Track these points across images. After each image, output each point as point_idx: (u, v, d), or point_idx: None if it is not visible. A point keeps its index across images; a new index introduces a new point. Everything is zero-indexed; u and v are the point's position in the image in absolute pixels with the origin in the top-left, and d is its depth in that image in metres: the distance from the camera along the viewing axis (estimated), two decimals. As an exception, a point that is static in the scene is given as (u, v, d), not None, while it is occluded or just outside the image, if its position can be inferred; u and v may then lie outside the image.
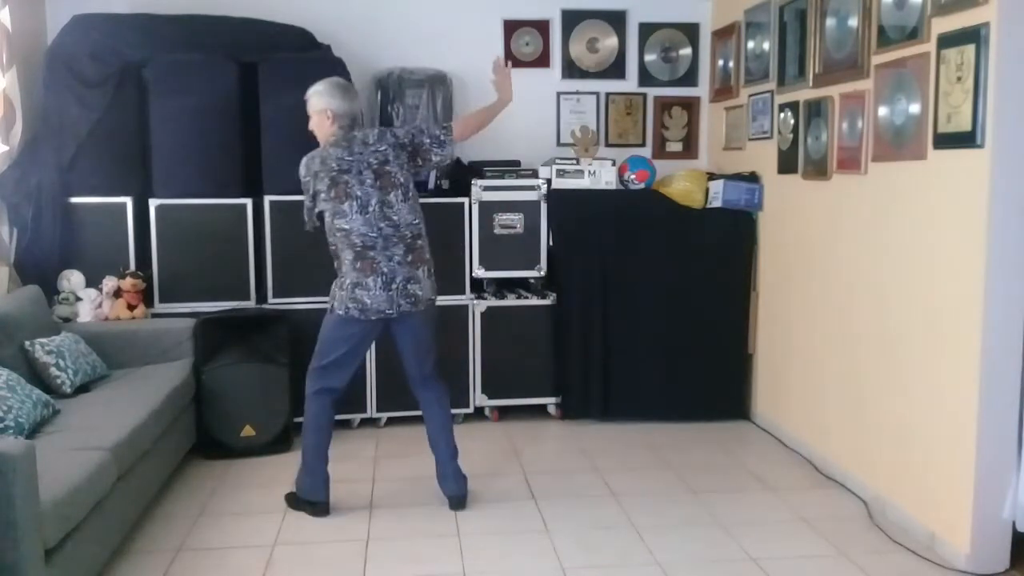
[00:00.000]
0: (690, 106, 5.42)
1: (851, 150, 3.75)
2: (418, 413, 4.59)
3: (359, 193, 3.38)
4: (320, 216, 3.50)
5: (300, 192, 4.45)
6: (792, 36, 4.25)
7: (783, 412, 4.51)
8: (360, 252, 3.39)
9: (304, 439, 3.60)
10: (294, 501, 3.63)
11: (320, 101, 3.47)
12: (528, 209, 4.73)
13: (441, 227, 4.63)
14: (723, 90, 5.16)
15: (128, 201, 4.44)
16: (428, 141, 3.52)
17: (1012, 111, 2.91)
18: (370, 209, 3.38)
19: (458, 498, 3.61)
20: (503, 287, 4.90)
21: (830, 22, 3.89)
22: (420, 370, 3.60)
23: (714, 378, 4.78)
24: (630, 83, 5.38)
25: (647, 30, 5.35)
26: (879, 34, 3.51)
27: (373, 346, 4.58)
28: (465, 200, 4.71)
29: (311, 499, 3.57)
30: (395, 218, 3.40)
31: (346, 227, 3.39)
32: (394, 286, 3.39)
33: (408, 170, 3.49)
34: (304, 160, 3.51)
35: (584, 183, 4.84)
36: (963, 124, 3.02)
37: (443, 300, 4.49)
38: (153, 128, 4.42)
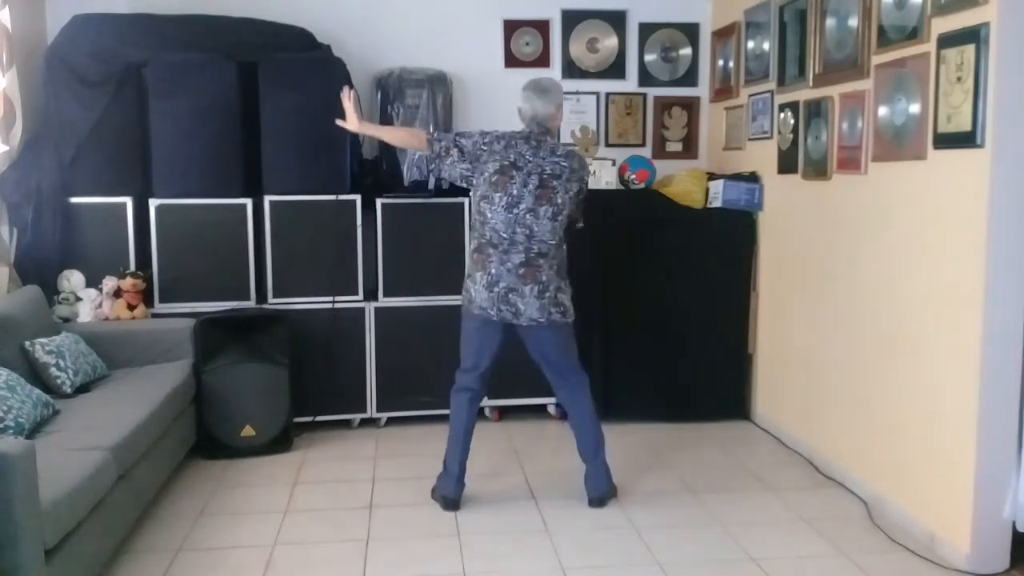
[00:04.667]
0: (690, 106, 5.42)
1: (851, 150, 3.75)
2: (418, 413, 4.65)
3: (515, 191, 3.39)
4: (440, 174, 3.56)
5: (300, 192, 4.51)
6: (792, 36, 4.25)
7: (783, 412, 4.51)
8: (482, 245, 3.45)
9: (448, 434, 3.65)
10: (433, 492, 3.68)
11: (519, 101, 3.54)
12: (528, 209, 4.72)
13: (441, 227, 4.65)
14: (723, 90, 5.16)
15: (128, 201, 4.44)
16: (583, 203, 3.61)
17: (1012, 111, 2.91)
18: (516, 210, 3.40)
19: (598, 498, 3.62)
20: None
21: (830, 22, 3.89)
22: (557, 376, 3.64)
23: (714, 378, 4.78)
24: (630, 83, 5.38)
25: (647, 30, 5.35)
26: (879, 34, 3.51)
27: (372, 346, 4.61)
28: (465, 200, 4.69)
29: (442, 493, 3.62)
30: (534, 228, 3.40)
31: (488, 214, 3.42)
32: (496, 289, 3.41)
33: (571, 199, 3.49)
34: (496, 131, 3.52)
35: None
36: (963, 124, 3.02)
37: (443, 300, 4.54)
38: (153, 128, 4.42)
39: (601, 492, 3.63)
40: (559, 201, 3.43)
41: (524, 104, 3.51)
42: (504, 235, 3.41)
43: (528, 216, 3.40)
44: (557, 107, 3.53)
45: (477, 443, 3.72)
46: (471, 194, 3.54)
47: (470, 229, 3.55)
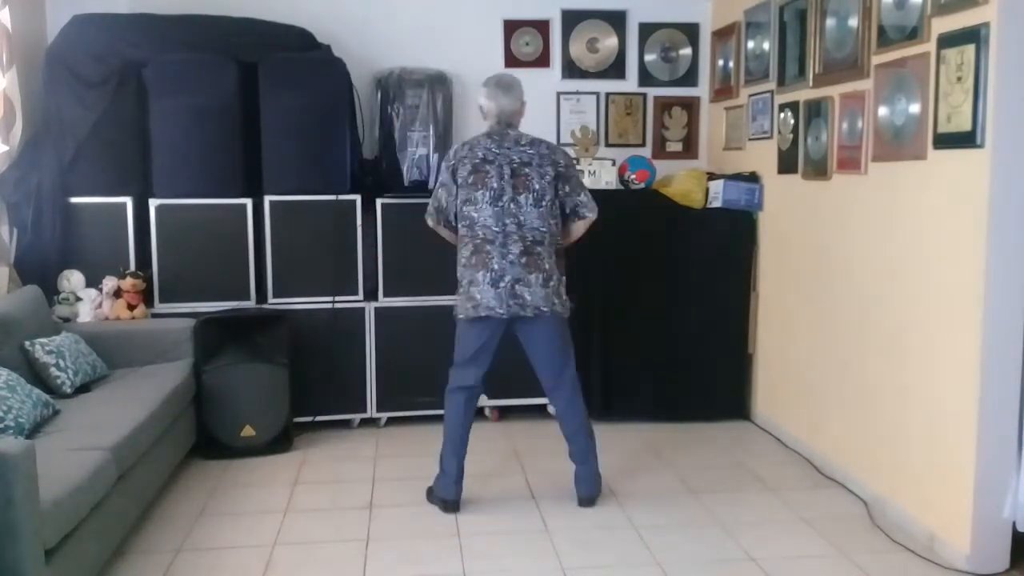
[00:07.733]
0: (690, 106, 5.42)
1: (851, 150, 3.75)
2: (418, 413, 4.65)
3: (495, 184, 3.44)
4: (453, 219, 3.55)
5: (300, 192, 4.51)
6: (792, 36, 4.25)
7: (783, 412, 4.51)
8: (478, 246, 3.45)
9: (443, 435, 3.64)
10: (429, 494, 3.68)
11: (479, 97, 3.59)
12: (528, 209, 4.72)
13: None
14: (723, 90, 5.16)
15: (128, 201, 4.44)
16: (582, 189, 3.59)
17: (1012, 111, 2.91)
18: (501, 202, 3.43)
19: (588, 498, 3.64)
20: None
21: (830, 22, 3.89)
22: (553, 376, 3.62)
23: (714, 378, 4.78)
24: (630, 83, 5.38)
25: (647, 30, 5.35)
26: (879, 34, 3.51)
27: (373, 346, 4.62)
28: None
29: (441, 496, 3.59)
30: (521, 218, 3.43)
31: (474, 215, 3.45)
32: (502, 284, 3.42)
33: (549, 183, 3.48)
34: (454, 147, 3.61)
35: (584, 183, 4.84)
36: (963, 124, 3.02)
37: (444, 300, 4.52)
38: (153, 128, 4.42)
39: (593, 493, 3.65)
40: (536, 187, 3.45)
41: (489, 101, 3.54)
42: (496, 229, 3.43)
43: (511, 205, 3.43)
44: (521, 103, 3.58)
45: (477, 443, 3.73)
46: (457, 207, 3.53)
47: (459, 241, 3.55)
